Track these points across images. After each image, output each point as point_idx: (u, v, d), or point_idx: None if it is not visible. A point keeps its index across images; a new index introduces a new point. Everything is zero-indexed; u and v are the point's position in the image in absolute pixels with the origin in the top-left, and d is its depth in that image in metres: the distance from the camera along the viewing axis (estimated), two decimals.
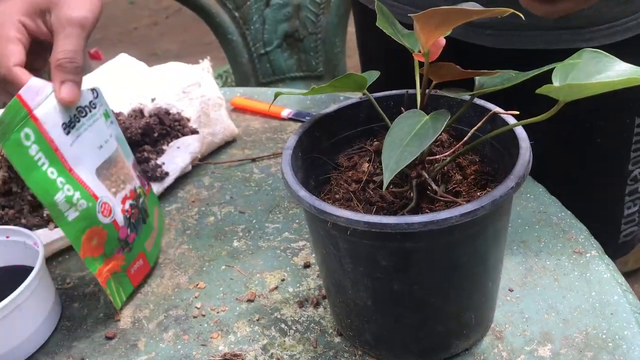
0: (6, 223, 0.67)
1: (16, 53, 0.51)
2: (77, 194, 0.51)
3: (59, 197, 0.50)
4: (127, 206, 0.57)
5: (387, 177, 0.39)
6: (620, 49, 0.66)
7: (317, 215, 0.42)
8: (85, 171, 0.53)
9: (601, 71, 0.39)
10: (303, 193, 0.43)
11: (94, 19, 0.53)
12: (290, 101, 0.88)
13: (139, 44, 3.12)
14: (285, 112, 0.86)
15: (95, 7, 0.54)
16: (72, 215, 0.51)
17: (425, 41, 0.41)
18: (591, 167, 0.74)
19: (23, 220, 0.67)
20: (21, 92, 0.49)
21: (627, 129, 0.71)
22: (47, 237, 0.65)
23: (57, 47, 0.51)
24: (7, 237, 0.59)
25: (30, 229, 0.67)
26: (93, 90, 0.56)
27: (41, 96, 0.50)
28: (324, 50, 1.46)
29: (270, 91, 0.93)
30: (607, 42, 0.66)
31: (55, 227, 0.67)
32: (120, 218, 0.56)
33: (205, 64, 0.89)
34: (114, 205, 0.55)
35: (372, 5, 0.76)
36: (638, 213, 0.77)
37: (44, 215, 0.68)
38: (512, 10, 0.36)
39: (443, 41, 0.43)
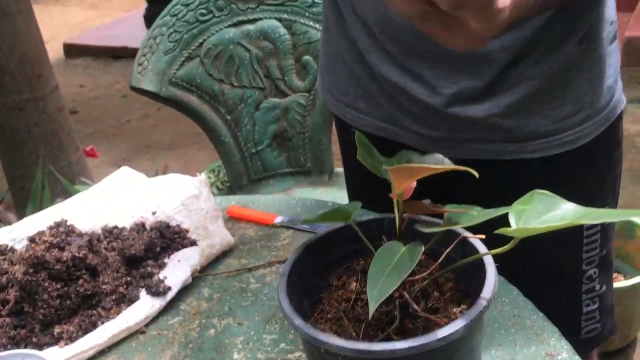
0: (18, 342, 0.71)
1: None
2: None
3: None
4: None
5: (372, 308, 0.45)
6: (559, 161, 0.75)
7: (312, 342, 0.48)
8: None
9: (550, 210, 0.46)
10: (298, 322, 0.49)
11: None
12: (282, 208, 0.95)
13: (132, 136, 3.22)
14: (278, 219, 0.93)
15: None
16: None
17: (398, 187, 0.48)
18: (545, 268, 0.80)
19: (34, 339, 0.72)
20: None
21: (576, 232, 0.78)
22: (58, 355, 0.69)
23: None
24: None
25: (42, 347, 0.71)
26: None
27: None
28: (311, 148, 1.55)
29: (263, 198, 1.00)
30: (547, 154, 0.74)
31: (65, 344, 0.71)
32: None
33: (202, 177, 0.95)
34: None
35: (352, 134, 0.83)
36: (599, 310, 0.82)
37: (54, 333, 0.72)
38: (467, 169, 0.43)
39: (414, 185, 0.51)
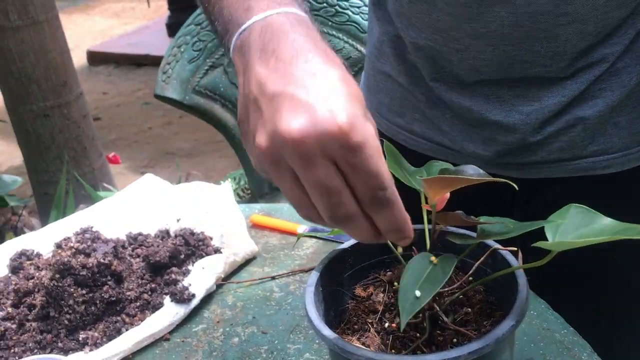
0: (44, 347, 0.72)
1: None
2: None
3: None
4: None
5: (404, 321, 0.44)
6: (628, 178, 0.73)
7: (340, 354, 0.47)
8: None
9: (587, 224, 0.45)
10: (327, 332, 0.48)
11: None
12: None
13: (154, 143, 3.25)
14: (301, 229, 0.92)
15: None
16: None
17: (432, 197, 0.47)
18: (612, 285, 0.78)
19: (60, 344, 0.72)
20: None
21: None
22: None
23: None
24: None
25: (67, 352, 0.71)
26: None
27: None
28: None
29: (286, 207, 0.99)
30: (622, 168, 0.72)
31: (90, 350, 0.71)
32: None
33: (227, 185, 0.96)
34: None
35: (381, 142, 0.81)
36: None
37: (80, 339, 0.72)
38: (506, 181, 0.42)
39: (447, 196, 0.50)
